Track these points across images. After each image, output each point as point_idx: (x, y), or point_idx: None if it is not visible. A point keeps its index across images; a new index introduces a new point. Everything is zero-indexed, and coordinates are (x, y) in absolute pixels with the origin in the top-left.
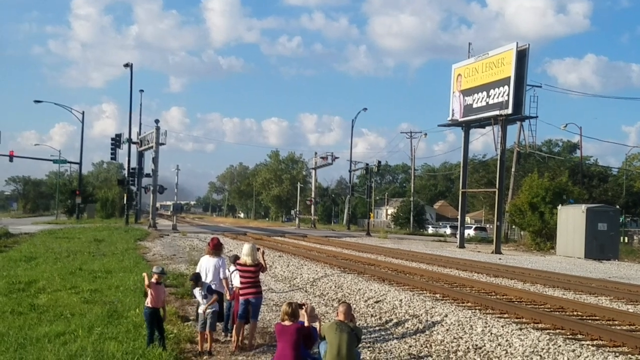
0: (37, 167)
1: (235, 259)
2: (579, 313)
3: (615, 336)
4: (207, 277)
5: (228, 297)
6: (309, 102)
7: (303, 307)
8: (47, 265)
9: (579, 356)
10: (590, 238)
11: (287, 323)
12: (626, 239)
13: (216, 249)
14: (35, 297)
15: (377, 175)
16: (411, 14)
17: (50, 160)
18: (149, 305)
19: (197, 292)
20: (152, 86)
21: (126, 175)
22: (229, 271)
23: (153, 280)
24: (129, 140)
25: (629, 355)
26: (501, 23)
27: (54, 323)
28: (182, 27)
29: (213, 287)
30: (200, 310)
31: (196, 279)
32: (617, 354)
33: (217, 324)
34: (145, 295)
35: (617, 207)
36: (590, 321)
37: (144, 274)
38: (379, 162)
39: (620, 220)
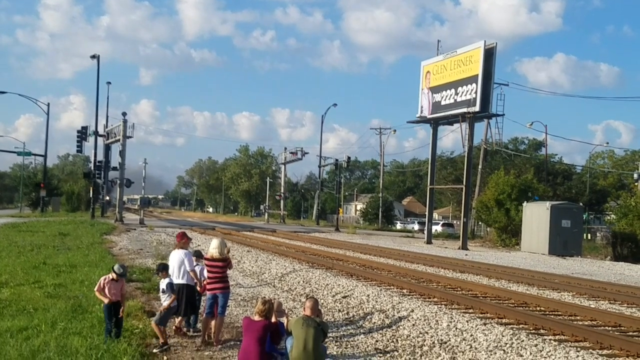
0: (0, 159)
1: (197, 255)
2: (542, 308)
3: (577, 331)
4: (175, 271)
5: (199, 289)
6: (282, 96)
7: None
8: (9, 259)
9: (541, 351)
10: (554, 235)
11: (256, 318)
12: (589, 235)
13: (182, 241)
14: None
15: (346, 171)
16: (386, 9)
17: (15, 152)
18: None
19: (161, 283)
20: (122, 78)
21: (92, 168)
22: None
23: (111, 276)
24: (96, 133)
25: (590, 350)
26: (474, 21)
27: (16, 318)
28: (154, 18)
29: (184, 280)
30: (164, 305)
31: (161, 269)
32: (579, 349)
33: (179, 318)
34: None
35: (581, 204)
36: (552, 316)
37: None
38: (349, 157)
39: (584, 218)
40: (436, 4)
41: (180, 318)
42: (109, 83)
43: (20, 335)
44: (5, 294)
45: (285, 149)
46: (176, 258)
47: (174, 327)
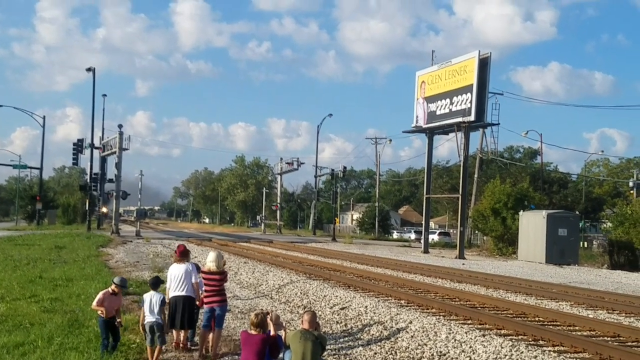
0: None
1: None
2: (541, 319)
3: (576, 342)
4: (179, 284)
5: (197, 303)
6: (278, 107)
7: (268, 315)
8: (5, 274)
9: None
10: (550, 243)
11: (253, 332)
12: (585, 244)
13: (183, 255)
14: None
15: (342, 180)
16: (381, 20)
17: (10, 165)
18: (103, 315)
19: (146, 296)
20: (118, 90)
21: (88, 180)
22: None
23: (110, 290)
24: (92, 145)
25: None
26: (469, 30)
27: (12, 333)
28: (150, 30)
29: (187, 292)
30: (146, 321)
31: (150, 283)
32: None
33: (183, 333)
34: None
35: (577, 212)
36: (551, 327)
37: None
38: (344, 167)
39: (580, 226)
40: (431, 14)
41: (183, 333)
42: (104, 95)
43: (17, 351)
44: (1, 308)
45: (281, 159)
46: (181, 269)
47: (173, 344)
